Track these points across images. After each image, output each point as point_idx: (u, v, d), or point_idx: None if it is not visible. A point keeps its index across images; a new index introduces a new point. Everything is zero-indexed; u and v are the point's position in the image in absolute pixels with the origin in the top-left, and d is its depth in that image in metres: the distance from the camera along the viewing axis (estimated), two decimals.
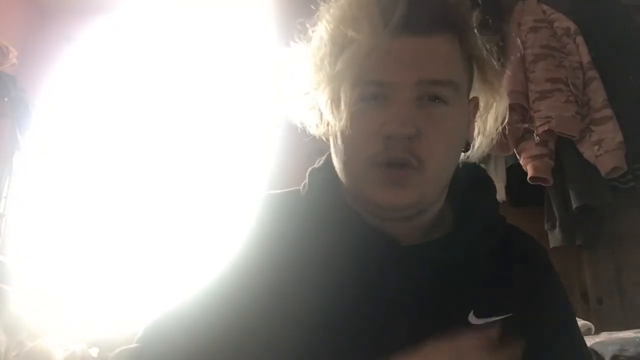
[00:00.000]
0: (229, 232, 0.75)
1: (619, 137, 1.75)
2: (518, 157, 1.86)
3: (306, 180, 0.73)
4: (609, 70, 1.87)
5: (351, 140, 0.63)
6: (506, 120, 0.72)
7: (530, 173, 1.80)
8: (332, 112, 0.63)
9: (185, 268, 1.94)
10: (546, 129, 1.76)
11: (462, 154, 0.70)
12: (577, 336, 0.73)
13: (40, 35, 2.73)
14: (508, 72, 1.87)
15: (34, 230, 2.49)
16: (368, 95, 0.62)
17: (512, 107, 1.82)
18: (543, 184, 1.83)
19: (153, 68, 2.63)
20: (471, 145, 0.71)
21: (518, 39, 1.91)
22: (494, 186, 0.76)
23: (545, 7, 2.02)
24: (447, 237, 0.68)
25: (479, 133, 0.71)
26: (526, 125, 1.83)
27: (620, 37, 1.92)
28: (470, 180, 0.72)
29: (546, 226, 1.91)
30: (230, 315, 0.63)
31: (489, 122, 0.71)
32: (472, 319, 0.63)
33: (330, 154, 0.73)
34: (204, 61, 2.57)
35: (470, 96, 0.70)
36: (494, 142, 0.73)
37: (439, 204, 0.69)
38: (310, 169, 0.74)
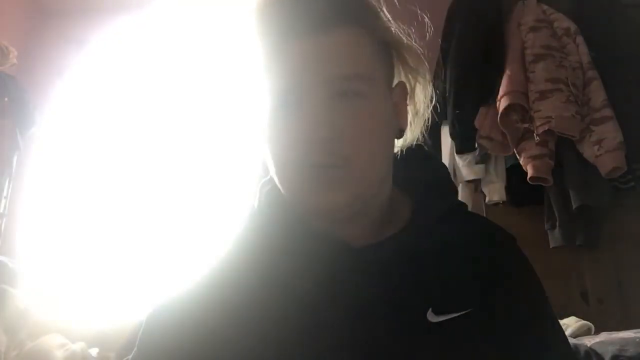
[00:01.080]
0: (215, 236, 0.77)
1: (619, 137, 1.75)
2: (518, 157, 1.86)
3: (257, 195, 0.73)
4: (609, 70, 1.87)
5: (275, 148, 0.63)
6: (434, 99, 0.71)
7: (530, 173, 1.80)
8: (254, 124, 0.64)
9: (180, 266, 1.94)
10: (546, 129, 1.76)
11: (397, 140, 0.70)
12: (553, 326, 0.70)
13: (41, 35, 2.74)
14: (508, 72, 1.87)
15: (34, 230, 2.49)
16: (282, 101, 0.61)
17: (512, 107, 1.82)
18: (543, 184, 1.83)
19: (154, 68, 2.63)
20: (405, 132, 0.70)
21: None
22: (448, 176, 0.75)
23: (545, 7, 2.01)
24: (398, 235, 0.66)
25: (413, 116, 0.71)
26: (526, 125, 1.82)
27: (620, 37, 1.92)
28: (425, 173, 0.71)
29: (546, 226, 1.91)
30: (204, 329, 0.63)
31: (417, 103, 0.70)
32: (430, 316, 0.61)
33: None
34: (204, 61, 2.57)
35: (396, 81, 0.69)
36: (428, 122, 0.72)
37: (382, 198, 0.67)
38: (260, 182, 0.74)
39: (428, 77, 0.70)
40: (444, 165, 0.77)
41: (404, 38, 0.67)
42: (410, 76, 0.69)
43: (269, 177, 0.72)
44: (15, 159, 2.44)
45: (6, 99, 2.33)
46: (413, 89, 0.70)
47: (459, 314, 0.61)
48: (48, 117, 2.62)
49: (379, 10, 0.65)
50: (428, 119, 0.72)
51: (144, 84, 2.64)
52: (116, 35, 2.71)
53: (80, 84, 2.70)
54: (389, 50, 0.66)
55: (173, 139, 2.53)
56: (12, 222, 2.45)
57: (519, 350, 0.64)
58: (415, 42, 0.68)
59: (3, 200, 2.41)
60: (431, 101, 0.71)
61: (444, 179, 0.74)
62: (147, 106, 2.60)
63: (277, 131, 0.62)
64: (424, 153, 0.74)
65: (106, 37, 2.72)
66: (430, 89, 0.71)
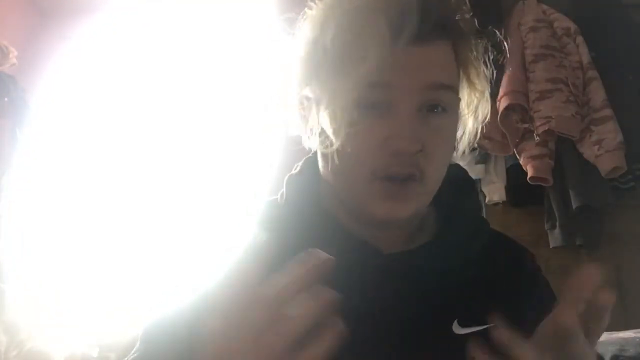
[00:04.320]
0: (223, 236, 0.73)
1: (619, 137, 1.75)
2: (518, 157, 1.86)
3: (283, 189, 0.71)
4: (609, 70, 1.87)
5: (350, 152, 0.60)
6: (487, 120, 0.70)
7: (530, 173, 1.80)
8: (328, 122, 0.59)
9: (183, 269, 1.94)
10: (546, 129, 1.76)
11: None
12: None
13: (41, 35, 2.73)
14: (508, 72, 1.87)
15: (33, 230, 2.49)
16: (370, 101, 0.59)
17: (512, 107, 1.83)
18: (543, 184, 1.83)
19: (154, 68, 2.63)
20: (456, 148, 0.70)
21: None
22: (476, 188, 0.76)
23: (545, 7, 2.01)
24: (429, 244, 0.66)
25: (462, 134, 0.70)
26: (526, 125, 1.83)
27: (620, 37, 1.92)
28: (452, 182, 0.70)
29: (546, 226, 1.91)
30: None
31: (469, 122, 0.69)
32: (456, 328, 0.62)
33: (307, 158, 0.71)
34: (206, 60, 2.56)
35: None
36: (475, 144, 0.72)
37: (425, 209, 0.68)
38: (287, 176, 0.72)
39: (487, 96, 0.69)
40: (472, 179, 0.76)
41: (472, 54, 0.66)
42: (471, 95, 0.68)
43: (297, 170, 0.71)
44: (14, 158, 2.44)
45: (6, 99, 2.32)
46: (468, 108, 0.68)
47: (483, 327, 0.61)
48: (48, 117, 2.62)
49: (468, 29, 0.65)
50: (475, 135, 0.70)
51: (145, 83, 2.63)
52: (117, 35, 2.71)
53: (81, 84, 2.70)
54: (459, 67, 0.65)
55: (173, 138, 2.53)
56: (11, 222, 2.44)
57: None
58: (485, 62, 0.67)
59: (2, 200, 2.41)
60: (482, 122, 0.69)
61: (472, 194, 0.74)
62: (148, 104, 2.60)
63: (356, 134, 0.59)
64: (454, 164, 0.73)
65: (107, 37, 2.72)
66: (488, 108, 0.69)
